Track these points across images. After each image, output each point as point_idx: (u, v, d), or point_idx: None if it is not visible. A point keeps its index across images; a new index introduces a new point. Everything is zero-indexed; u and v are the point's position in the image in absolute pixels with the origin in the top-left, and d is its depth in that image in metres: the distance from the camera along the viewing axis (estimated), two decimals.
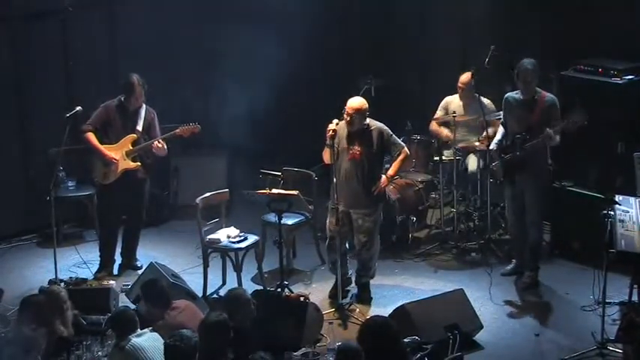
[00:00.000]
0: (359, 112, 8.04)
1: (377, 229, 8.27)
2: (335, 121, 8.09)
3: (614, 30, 9.34)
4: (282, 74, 11.17)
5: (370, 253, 8.27)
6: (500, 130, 8.52)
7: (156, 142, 8.65)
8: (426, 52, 11.02)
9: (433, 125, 9.77)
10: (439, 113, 9.75)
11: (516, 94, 8.35)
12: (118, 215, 8.99)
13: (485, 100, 9.44)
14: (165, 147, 8.70)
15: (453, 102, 9.71)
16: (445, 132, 9.55)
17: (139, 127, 8.75)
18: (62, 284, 8.44)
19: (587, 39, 9.51)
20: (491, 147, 8.53)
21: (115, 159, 8.66)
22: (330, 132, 8.00)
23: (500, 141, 8.43)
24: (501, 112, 9.13)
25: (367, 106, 8.10)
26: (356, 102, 8.09)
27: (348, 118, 8.03)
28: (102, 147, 8.70)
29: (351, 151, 8.10)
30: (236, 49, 11.18)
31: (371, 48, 11.18)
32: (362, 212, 8.17)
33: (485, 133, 9.07)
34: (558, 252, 9.09)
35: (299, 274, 9.02)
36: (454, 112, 9.44)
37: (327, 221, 8.24)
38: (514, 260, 8.66)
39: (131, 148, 8.72)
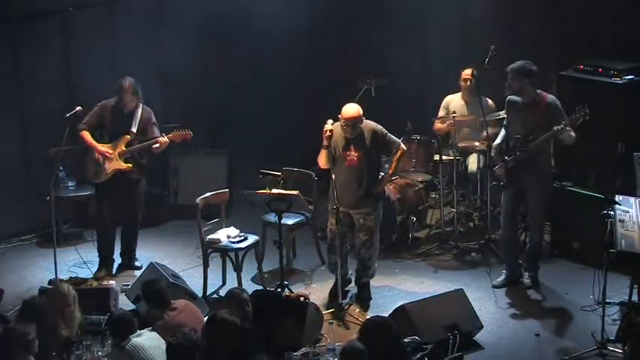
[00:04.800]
0: (356, 120, 8.01)
1: (377, 227, 8.27)
2: (330, 121, 8.06)
3: (614, 30, 9.35)
4: (283, 74, 11.20)
5: (370, 252, 8.27)
6: (501, 132, 8.49)
7: (161, 139, 8.65)
8: (426, 52, 11.02)
9: (436, 125, 9.76)
10: (441, 113, 9.74)
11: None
12: (114, 215, 8.98)
13: (488, 101, 9.46)
14: (167, 139, 8.70)
15: (454, 101, 9.72)
16: (444, 127, 9.52)
17: (134, 129, 8.75)
18: None
19: (587, 39, 9.51)
20: (492, 151, 8.49)
21: (110, 152, 8.68)
22: (327, 132, 7.98)
23: (500, 144, 8.40)
24: (501, 113, 9.16)
25: (362, 110, 8.08)
26: (352, 110, 8.04)
27: (346, 127, 8.00)
28: (96, 143, 8.73)
29: (348, 158, 8.08)
30: (236, 50, 11.20)
31: (371, 48, 11.19)
32: (363, 212, 8.17)
33: (485, 133, 9.09)
34: (558, 252, 9.09)
35: (299, 274, 9.01)
36: (454, 112, 9.44)
37: (329, 222, 8.24)
38: (504, 272, 8.61)
39: (124, 149, 8.73)
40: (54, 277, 8.48)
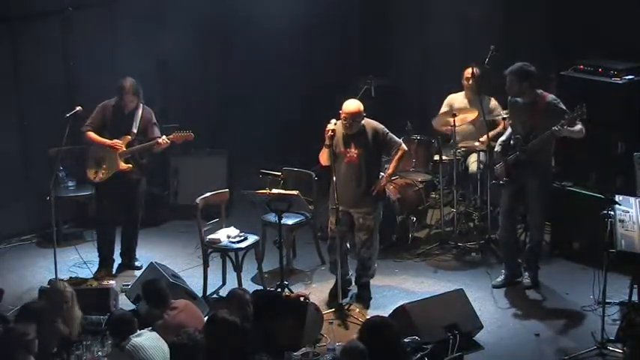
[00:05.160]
0: (356, 115, 8.02)
1: (377, 227, 8.28)
2: (333, 120, 8.08)
3: (614, 30, 9.35)
4: (282, 74, 11.20)
5: (370, 252, 8.27)
6: (508, 130, 8.49)
7: (161, 140, 8.65)
8: (426, 51, 11.02)
9: (436, 123, 9.77)
10: (444, 109, 9.73)
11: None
12: (114, 215, 8.98)
13: (492, 100, 9.45)
14: (167, 140, 8.70)
15: (457, 100, 9.71)
16: (445, 128, 9.51)
17: (134, 129, 8.75)
18: None
19: (587, 39, 9.51)
20: (495, 148, 8.49)
21: (119, 143, 8.67)
22: (329, 132, 8.00)
23: (504, 141, 8.40)
24: (503, 112, 9.17)
25: (363, 107, 8.09)
26: (352, 105, 8.07)
27: (346, 123, 8.02)
28: (104, 139, 8.72)
29: (348, 155, 8.09)
30: (236, 51, 11.20)
31: (371, 48, 11.19)
32: (363, 211, 8.17)
33: (485, 135, 9.10)
34: (558, 252, 9.09)
35: (299, 274, 9.01)
36: (455, 112, 9.43)
37: (329, 221, 8.24)
38: (503, 271, 8.60)
39: (125, 149, 8.73)
40: (54, 277, 8.48)
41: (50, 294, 7.24)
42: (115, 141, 8.71)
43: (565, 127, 7.88)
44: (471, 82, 9.52)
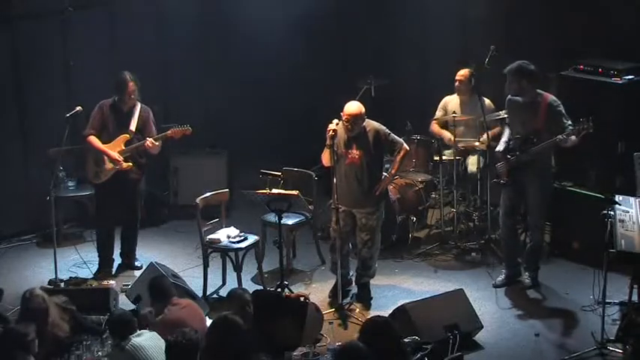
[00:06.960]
0: (357, 117, 8.02)
1: (379, 226, 8.28)
2: (335, 121, 8.09)
3: (614, 30, 9.35)
4: (283, 74, 11.20)
5: (371, 252, 8.27)
6: (506, 131, 8.48)
7: (148, 141, 8.63)
8: (426, 52, 11.02)
9: (434, 127, 9.77)
10: (438, 113, 9.75)
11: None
12: (114, 215, 8.97)
13: (486, 100, 9.45)
14: (158, 144, 8.68)
15: (452, 101, 9.72)
16: (448, 135, 9.52)
17: (132, 127, 8.73)
18: (62, 284, 8.48)
19: (587, 39, 9.52)
20: (497, 149, 8.46)
21: (120, 160, 8.65)
22: (330, 132, 8.00)
23: (506, 142, 8.38)
24: (501, 112, 9.16)
25: (364, 109, 8.09)
26: (353, 107, 8.06)
27: (348, 125, 8.02)
28: (105, 148, 8.69)
29: (349, 155, 8.09)
30: (236, 51, 11.20)
31: (371, 48, 11.18)
32: (365, 211, 8.17)
33: (485, 135, 9.08)
34: (558, 252, 9.09)
35: (299, 274, 9.02)
36: (454, 112, 9.44)
37: (332, 221, 8.24)
38: (504, 271, 8.61)
39: (123, 148, 8.72)
40: (54, 277, 8.50)
41: (26, 303, 7.12)
42: (117, 157, 8.64)
43: (570, 137, 7.88)
44: (457, 83, 9.54)
